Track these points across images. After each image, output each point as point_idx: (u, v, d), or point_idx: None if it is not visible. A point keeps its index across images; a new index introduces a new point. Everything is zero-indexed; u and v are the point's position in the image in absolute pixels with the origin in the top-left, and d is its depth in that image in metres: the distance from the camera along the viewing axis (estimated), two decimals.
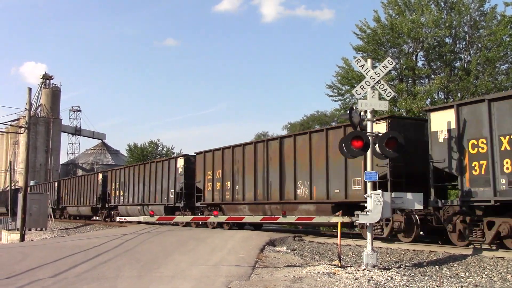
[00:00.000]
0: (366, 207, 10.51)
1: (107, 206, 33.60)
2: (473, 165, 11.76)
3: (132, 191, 29.84)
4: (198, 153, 23.50)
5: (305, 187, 16.63)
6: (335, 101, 30.56)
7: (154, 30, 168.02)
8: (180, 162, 24.91)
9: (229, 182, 20.74)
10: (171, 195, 25.20)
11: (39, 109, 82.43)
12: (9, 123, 54.08)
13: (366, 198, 10.65)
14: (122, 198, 31.22)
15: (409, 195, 10.90)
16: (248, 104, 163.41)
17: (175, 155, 55.55)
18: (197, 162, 23.33)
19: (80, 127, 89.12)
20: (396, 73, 27.37)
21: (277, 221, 12.14)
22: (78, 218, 41.45)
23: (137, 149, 60.43)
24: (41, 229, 33.59)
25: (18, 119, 64.23)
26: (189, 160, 24.50)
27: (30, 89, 31.24)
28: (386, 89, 11.15)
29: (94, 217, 38.18)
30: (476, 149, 11.74)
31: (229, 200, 20.56)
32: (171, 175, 25.44)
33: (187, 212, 24.09)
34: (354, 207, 13.76)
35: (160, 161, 27.88)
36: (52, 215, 34.24)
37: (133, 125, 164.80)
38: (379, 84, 11.08)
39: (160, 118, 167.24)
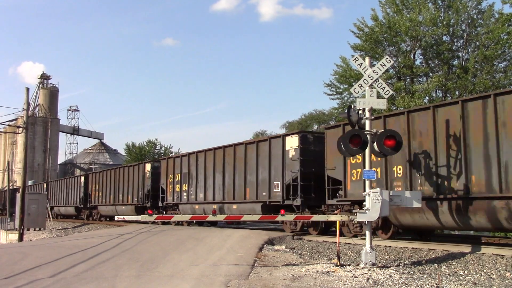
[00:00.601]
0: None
1: (160, 205, 26.41)
2: None
3: (203, 185, 22.53)
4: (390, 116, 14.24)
5: None
6: (333, 99, 30.66)
7: (152, 30, 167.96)
8: (292, 142, 17.36)
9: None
10: (276, 189, 17.96)
11: (37, 109, 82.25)
12: (7, 123, 53.78)
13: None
14: (185, 194, 24.06)
15: (407, 193, 10.93)
16: (246, 103, 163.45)
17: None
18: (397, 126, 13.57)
19: (78, 126, 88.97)
20: (394, 72, 27.38)
21: (276, 219, 12.13)
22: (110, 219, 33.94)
23: (135, 148, 60.52)
24: (40, 229, 33.56)
25: (16, 119, 63.96)
26: (306, 139, 17.35)
27: (28, 89, 31.09)
28: (384, 87, 11.17)
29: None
30: None
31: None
32: (275, 160, 18.01)
33: (306, 213, 16.82)
34: None
35: (252, 142, 19.99)
36: (50, 215, 34.17)
37: (131, 125, 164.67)
38: (377, 83, 11.09)
39: (158, 118, 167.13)
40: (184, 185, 24.27)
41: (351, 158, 14.73)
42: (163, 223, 24.62)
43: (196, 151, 23.82)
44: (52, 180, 51.32)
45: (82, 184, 37.62)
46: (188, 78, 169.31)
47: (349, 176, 15.18)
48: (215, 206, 21.53)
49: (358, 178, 14.77)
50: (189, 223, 23.61)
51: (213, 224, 23.58)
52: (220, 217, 12.65)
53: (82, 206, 37.65)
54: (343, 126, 15.14)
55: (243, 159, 19.90)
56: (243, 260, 11.74)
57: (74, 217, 40.77)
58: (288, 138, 17.70)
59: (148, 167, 28.31)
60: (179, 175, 24.80)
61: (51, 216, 34.35)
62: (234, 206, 20.27)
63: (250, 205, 19.29)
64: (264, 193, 18.55)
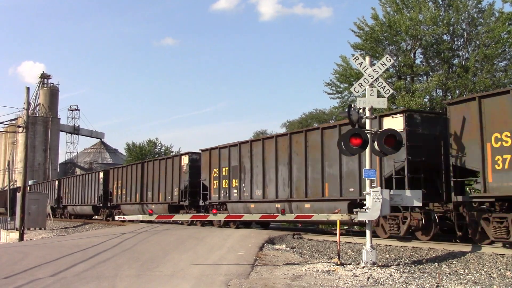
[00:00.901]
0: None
1: (201, 203, 23.20)
2: None
3: (262, 180, 19.08)
4: None
5: None
6: (333, 99, 30.68)
7: (152, 29, 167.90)
8: (394, 124, 13.47)
9: None
10: (359, 186, 14.83)
11: (37, 108, 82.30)
12: (7, 122, 53.85)
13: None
14: (235, 191, 20.58)
15: (408, 192, 10.93)
16: (246, 103, 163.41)
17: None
18: None
19: (79, 126, 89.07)
20: (394, 71, 27.37)
21: (276, 219, 12.13)
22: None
23: (136, 148, 60.49)
24: (40, 229, 33.58)
25: (16, 119, 64.04)
26: (413, 120, 13.76)
27: (28, 89, 31.10)
28: (384, 86, 11.16)
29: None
30: None
31: None
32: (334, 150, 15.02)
33: (416, 213, 13.61)
34: None
35: (333, 126, 16.54)
36: (50, 214, 34.15)
37: (131, 125, 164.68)
38: (377, 82, 11.08)
39: (158, 118, 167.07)
40: (233, 180, 20.62)
41: (493, 140, 11.63)
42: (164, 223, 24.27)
43: (250, 140, 20.70)
44: (65, 177, 48.82)
45: (101, 181, 34.19)
46: (188, 78, 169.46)
47: (490, 164, 11.62)
48: (278, 205, 18.04)
49: (506, 167, 11.16)
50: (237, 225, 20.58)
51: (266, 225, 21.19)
52: (220, 217, 12.66)
53: (101, 205, 34.36)
54: (479, 99, 11.98)
55: (319, 148, 16.43)
56: (244, 260, 11.74)
57: (91, 217, 37.90)
58: (387, 120, 13.98)
59: (185, 160, 24.73)
60: (226, 168, 21.18)
61: (51, 216, 34.33)
62: (307, 205, 16.82)
63: (330, 203, 15.85)
64: (352, 189, 15.14)
